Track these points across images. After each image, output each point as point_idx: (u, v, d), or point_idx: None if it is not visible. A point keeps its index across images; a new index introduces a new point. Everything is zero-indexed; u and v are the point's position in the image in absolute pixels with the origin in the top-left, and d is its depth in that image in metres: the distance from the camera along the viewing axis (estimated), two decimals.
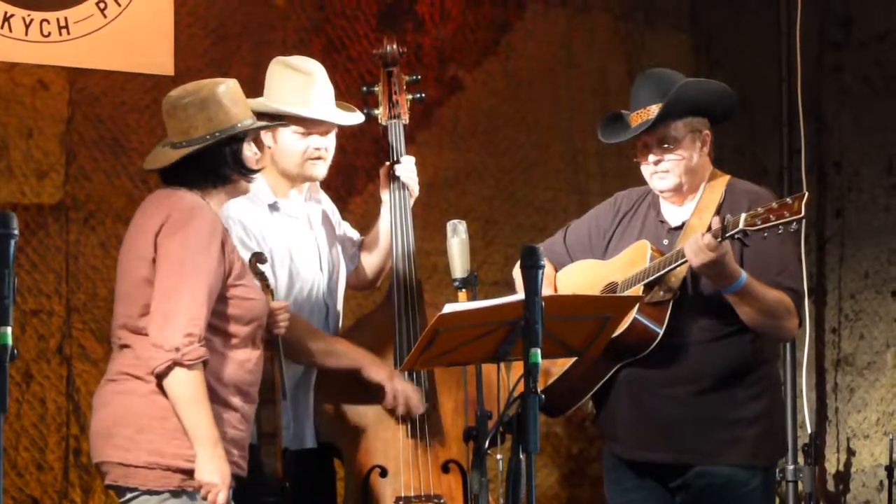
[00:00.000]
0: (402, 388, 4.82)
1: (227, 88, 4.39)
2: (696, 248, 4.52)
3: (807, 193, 4.46)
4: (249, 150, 4.42)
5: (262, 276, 4.59)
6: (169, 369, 4.16)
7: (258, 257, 4.63)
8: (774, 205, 4.48)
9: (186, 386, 4.17)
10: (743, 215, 4.49)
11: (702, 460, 4.75)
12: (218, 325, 4.29)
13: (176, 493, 4.22)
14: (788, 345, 6.58)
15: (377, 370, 4.85)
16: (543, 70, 6.87)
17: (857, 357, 6.82)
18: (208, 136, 4.34)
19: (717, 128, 4.91)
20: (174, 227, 4.25)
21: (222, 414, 4.26)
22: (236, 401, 4.31)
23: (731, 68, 6.98)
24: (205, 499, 4.19)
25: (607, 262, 4.91)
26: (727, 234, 4.51)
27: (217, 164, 4.37)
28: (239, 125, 4.36)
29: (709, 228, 4.56)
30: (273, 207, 4.88)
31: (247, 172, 4.41)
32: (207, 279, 4.22)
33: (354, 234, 5.18)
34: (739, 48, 7.15)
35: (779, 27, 6.93)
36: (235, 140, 4.37)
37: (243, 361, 4.34)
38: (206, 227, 4.26)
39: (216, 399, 4.24)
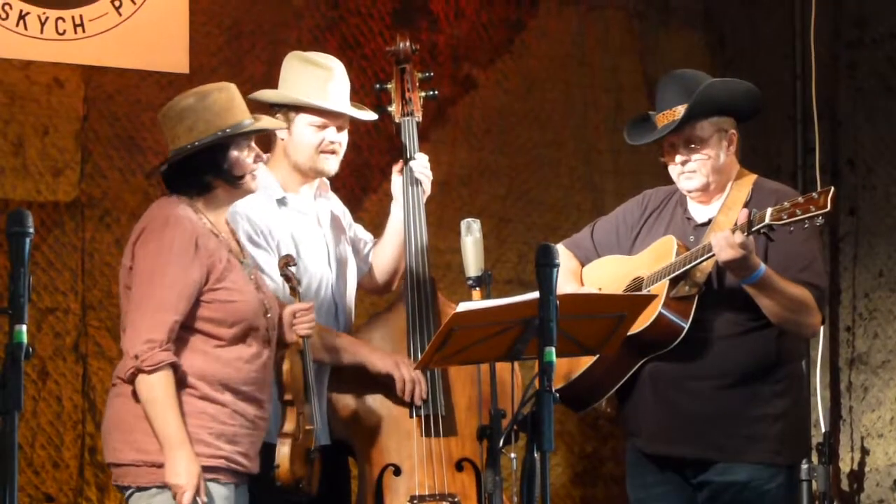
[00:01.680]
0: (409, 375, 4.83)
1: (215, 97, 4.41)
2: (724, 244, 4.53)
3: (833, 188, 4.48)
4: (242, 155, 4.43)
5: (288, 278, 4.62)
6: (133, 375, 4.27)
7: (287, 259, 4.65)
8: (801, 199, 4.49)
9: (149, 390, 4.26)
10: (769, 210, 4.51)
11: (725, 457, 4.76)
12: (199, 327, 4.36)
13: (162, 488, 4.30)
14: None
15: (381, 361, 4.86)
16: (557, 68, 6.87)
17: (871, 356, 6.80)
18: (188, 146, 4.38)
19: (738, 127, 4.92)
20: (147, 237, 4.36)
21: (206, 409, 4.33)
22: (225, 397, 4.37)
23: (745, 67, 6.96)
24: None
25: (633, 257, 4.93)
26: (754, 229, 4.52)
27: (197, 173, 4.42)
28: (220, 133, 4.38)
29: (736, 224, 4.57)
30: (281, 202, 4.89)
31: (232, 179, 4.44)
32: (174, 286, 4.29)
33: (367, 236, 5.17)
34: (753, 47, 7.14)
35: (793, 25, 6.92)
36: (218, 147, 4.40)
37: (232, 360, 4.38)
38: (176, 236, 4.32)
39: (199, 395, 4.33)
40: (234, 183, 4.44)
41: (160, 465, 4.28)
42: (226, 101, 4.42)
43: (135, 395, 4.30)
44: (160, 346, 4.25)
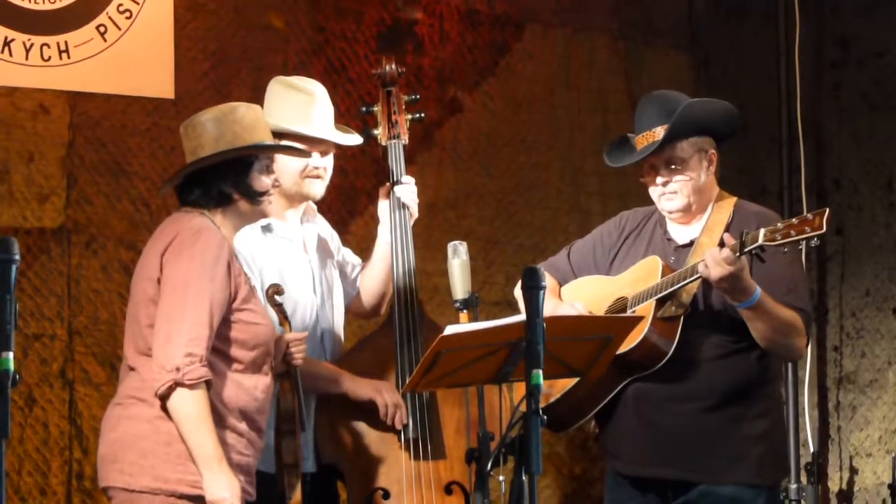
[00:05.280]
0: (391, 399, 4.82)
1: (243, 112, 4.40)
2: (713, 262, 4.52)
3: (828, 210, 4.47)
4: (263, 174, 4.41)
5: (279, 307, 4.61)
6: (170, 390, 4.17)
7: (276, 288, 4.64)
8: (795, 221, 4.48)
9: (188, 406, 4.17)
10: (762, 230, 4.50)
11: (706, 478, 4.75)
12: (222, 348, 4.29)
13: None
14: (790, 363, 6.58)
15: (362, 388, 4.84)
16: (543, 90, 6.88)
17: (858, 375, 6.81)
18: (215, 154, 4.35)
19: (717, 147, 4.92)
20: (179, 248, 4.27)
21: (227, 439, 4.26)
22: (242, 426, 4.32)
23: (731, 87, 6.98)
24: None
25: (615, 277, 4.92)
26: (746, 249, 4.51)
27: (218, 182, 4.37)
28: (249, 145, 4.36)
29: (721, 243, 4.57)
30: (266, 229, 4.87)
31: (251, 195, 4.40)
32: (210, 301, 4.23)
33: (355, 260, 5.16)
34: (738, 67, 7.17)
35: (777, 46, 6.95)
36: (242, 161, 4.38)
37: (250, 388, 4.34)
38: (211, 249, 4.27)
39: (220, 423, 4.25)
40: (255, 199, 4.40)
41: (179, 496, 4.20)
42: (253, 119, 4.42)
43: (161, 417, 4.19)
44: (200, 360, 4.18)
